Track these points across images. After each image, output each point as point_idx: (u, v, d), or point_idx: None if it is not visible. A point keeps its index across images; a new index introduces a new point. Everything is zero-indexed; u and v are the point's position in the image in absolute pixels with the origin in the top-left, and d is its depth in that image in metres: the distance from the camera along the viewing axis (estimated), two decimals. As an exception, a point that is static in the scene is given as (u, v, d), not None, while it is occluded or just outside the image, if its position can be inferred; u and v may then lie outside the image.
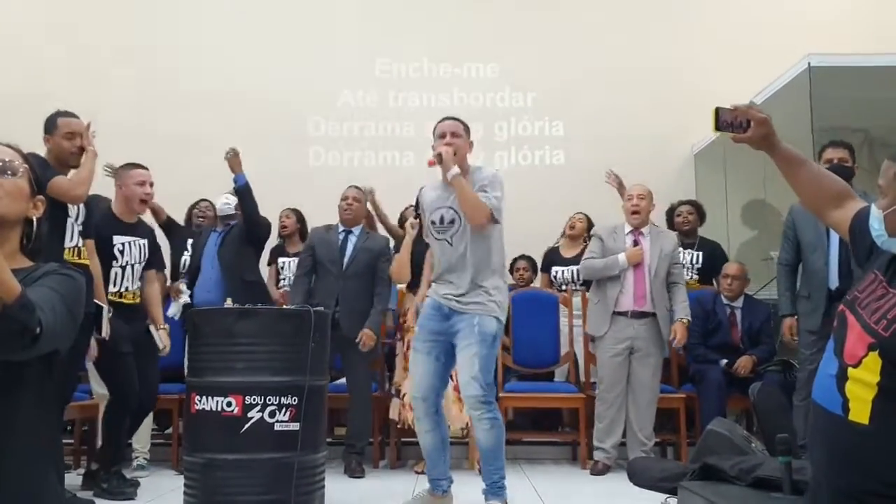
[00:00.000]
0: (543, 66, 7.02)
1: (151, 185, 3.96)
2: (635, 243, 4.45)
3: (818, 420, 1.65)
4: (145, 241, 3.98)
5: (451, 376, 3.52)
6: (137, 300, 3.94)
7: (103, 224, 3.79)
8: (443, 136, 3.26)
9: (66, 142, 3.45)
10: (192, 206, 5.32)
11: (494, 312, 3.16)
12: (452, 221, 3.21)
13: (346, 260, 4.45)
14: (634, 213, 4.48)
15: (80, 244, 3.49)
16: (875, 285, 1.67)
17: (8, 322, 1.15)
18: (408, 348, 4.12)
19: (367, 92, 7.09)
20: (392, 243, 4.81)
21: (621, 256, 4.38)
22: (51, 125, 3.48)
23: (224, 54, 6.95)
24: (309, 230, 5.07)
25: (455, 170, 3.14)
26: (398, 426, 4.47)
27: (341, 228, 4.58)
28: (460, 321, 3.15)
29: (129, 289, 3.88)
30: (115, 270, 3.82)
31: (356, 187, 4.67)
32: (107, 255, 3.77)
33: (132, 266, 3.89)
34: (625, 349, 4.36)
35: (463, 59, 7.14)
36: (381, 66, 7.14)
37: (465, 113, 6.97)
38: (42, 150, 3.45)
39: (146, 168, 3.99)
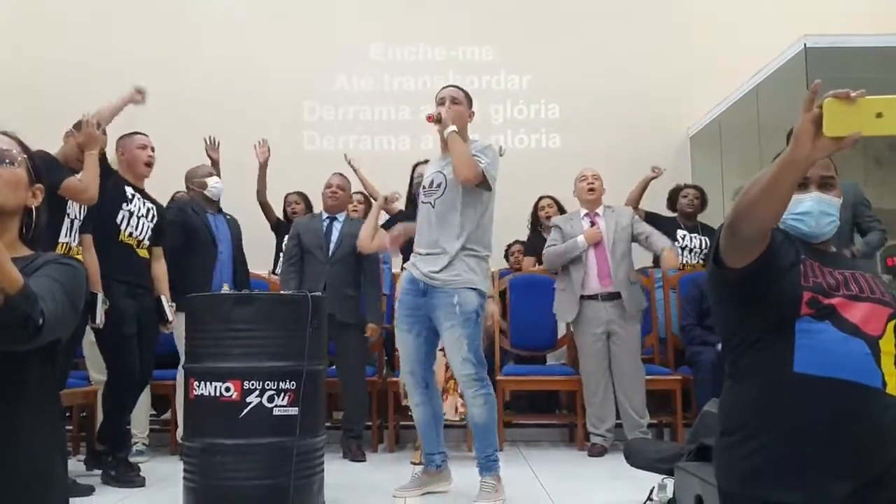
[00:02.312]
0: (538, 49, 7.00)
1: (153, 149, 3.98)
2: (592, 224, 4.52)
3: (850, 399, 1.61)
4: (153, 206, 3.95)
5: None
6: (146, 255, 3.89)
7: (116, 178, 3.82)
8: (442, 102, 3.29)
9: (79, 150, 3.51)
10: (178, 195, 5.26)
11: (473, 284, 3.13)
12: (440, 185, 3.22)
13: (332, 246, 4.45)
14: (591, 190, 4.56)
15: (71, 242, 3.53)
16: (823, 270, 1.70)
17: (11, 313, 1.16)
18: None
19: (361, 76, 7.07)
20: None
21: (580, 237, 4.45)
22: (77, 128, 3.56)
23: (218, 40, 6.91)
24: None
25: (452, 127, 3.17)
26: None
27: (325, 215, 4.57)
28: (438, 298, 3.13)
29: (134, 235, 3.81)
30: (123, 213, 3.78)
31: (340, 174, 4.67)
32: (118, 199, 3.77)
33: (139, 218, 3.84)
34: (602, 333, 4.41)
35: (458, 43, 7.12)
36: (376, 49, 7.11)
37: (461, 96, 7.03)
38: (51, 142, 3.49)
39: (144, 134, 4.00)
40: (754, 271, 1.65)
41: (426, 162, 3.95)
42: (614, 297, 4.41)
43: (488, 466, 3.22)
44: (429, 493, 3.35)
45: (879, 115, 1.36)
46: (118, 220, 3.76)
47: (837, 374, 1.62)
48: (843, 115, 1.36)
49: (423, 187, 3.29)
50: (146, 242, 3.88)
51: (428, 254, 3.19)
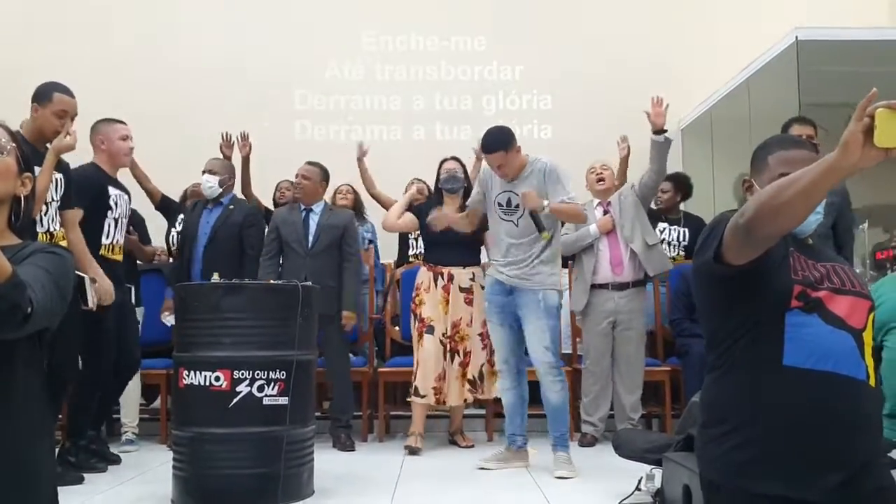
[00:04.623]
0: (531, 40, 6.99)
1: (132, 138, 3.91)
2: (605, 213, 4.53)
3: (839, 391, 1.64)
4: (128, 197, 3.93)
5: (457, 352, 4.08)
6: (120, 257, 3.85)
7: (96, 176, 3.72)
8: (501, 165, 3.59)
9: (55, 119, 3.33)
10: (189, 189, 5.20)
11: (555, 285, 3.61)
12: (518, 206, 3.59)
13: (310, 238, 4.39)
14: (600, 180, 4.59)
15: (51, 229, 3.36)
16: (809, 262, 1.72)
17: (0, 302, 1.16)
18: (422, 324, 4.19)
19: (353, 65, 7.03)
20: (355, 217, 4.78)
21: (592, 226, 4.46)
22: (44, 96, 3.35)
23: (209, 28, 6.86)
24: None
25: (546, 206, 3.51)
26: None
27: (302, 207, 4.49)
28: (524, 296, 3.57)
29: (119, 242, 3.80)
30: (109, 222, 3.73)
31: (308, 163, 4.53)
32: (103, 206, 3.69)
33: (122, 219, 3.83)
34: (608, 324, 4.43)
35: (450, 32, 7.09)
36: (368, 38, 7.08)
37: (453, 86, 7.04)
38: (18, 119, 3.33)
39: (124, 122, 3.91)
40: (752, 266, 1.65)
41: (452, 159, 4.42)
42: (624, 287, 4.43)
43: (562, 443, 3.62)
44: (507, 468, 3.67)
45: None
46: (102, 233, 3.68)
47: (826, 367, 1.64)
48: None
49: (501, 205, 3.65)
50: (121, 241, 3.84)
51: (514, 262, 3.61)
